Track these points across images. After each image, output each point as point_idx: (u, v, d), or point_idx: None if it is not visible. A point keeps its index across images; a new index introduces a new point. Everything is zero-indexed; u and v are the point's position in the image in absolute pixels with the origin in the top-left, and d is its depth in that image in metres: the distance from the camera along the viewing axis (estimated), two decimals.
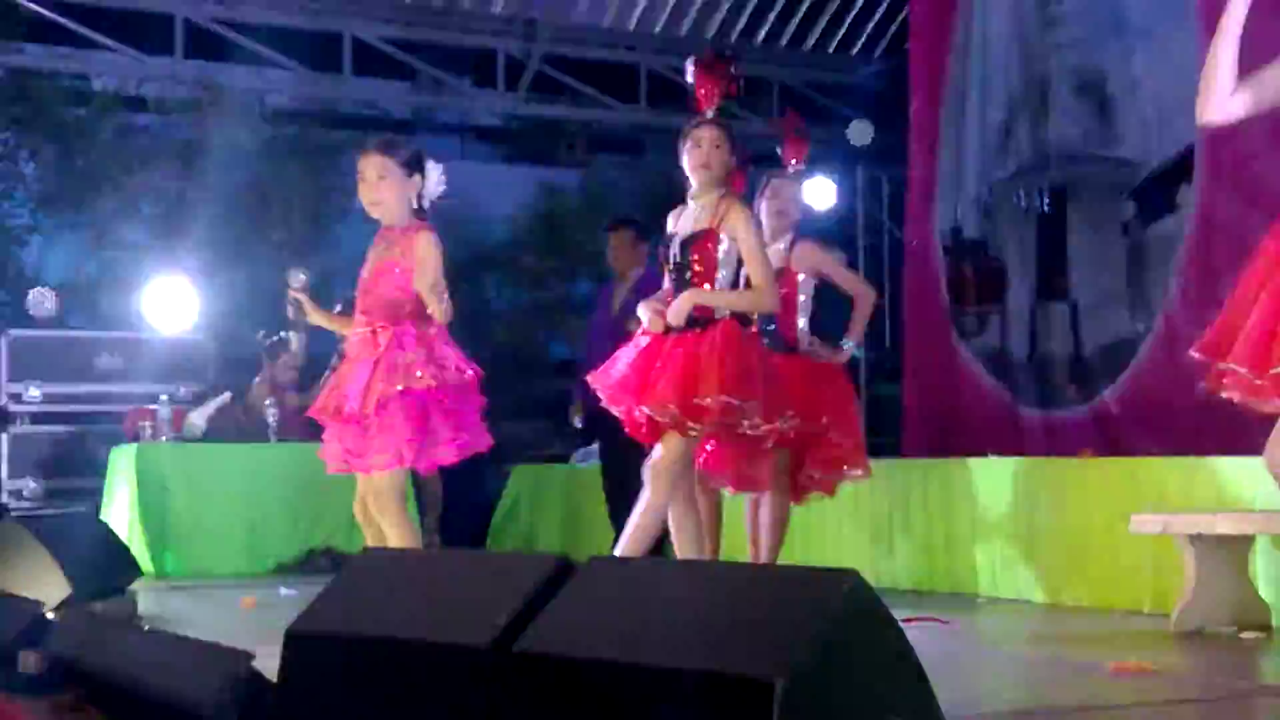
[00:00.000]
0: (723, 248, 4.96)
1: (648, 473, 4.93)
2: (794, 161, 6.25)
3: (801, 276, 6.14)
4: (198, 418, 8.42)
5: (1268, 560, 5.24)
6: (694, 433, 4.88)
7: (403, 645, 2.78)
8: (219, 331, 10.17)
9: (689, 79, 5.19)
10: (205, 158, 11.00)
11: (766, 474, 5.35)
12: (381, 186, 4.90)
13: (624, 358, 5.02)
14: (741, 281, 5.07)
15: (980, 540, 6.65)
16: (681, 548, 5.02)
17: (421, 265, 4.81)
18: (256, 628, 4.96)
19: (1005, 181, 9.14)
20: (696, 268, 4.98)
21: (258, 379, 9.11)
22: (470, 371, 4.87)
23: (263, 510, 8.21)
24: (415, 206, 4.96)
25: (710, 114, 5.10)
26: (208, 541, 8.06)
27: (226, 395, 8.79)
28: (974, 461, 6.82)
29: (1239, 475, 5.53)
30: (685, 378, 4.83)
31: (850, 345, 6.21)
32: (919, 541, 6.84)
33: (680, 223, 5.10)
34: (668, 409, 4.82)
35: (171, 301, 9.89)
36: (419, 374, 4.71)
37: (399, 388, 4.70)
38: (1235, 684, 4.16)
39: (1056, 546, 6.25)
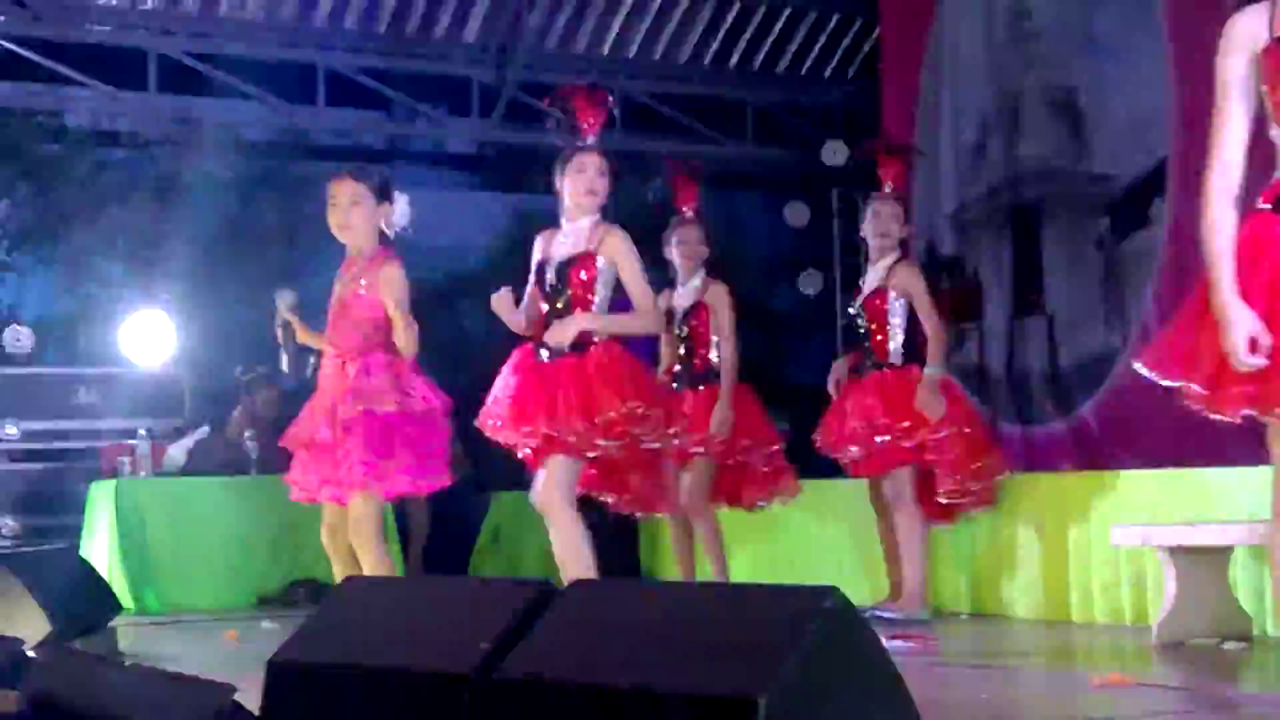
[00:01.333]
0: (601, 271, 5.00)
1: (539, 503, 4.93)
2: (890, 183, 6.54)
3: (892, 295, 6.34)
4: (176, 452, 8.38)
5: (1247, 571, 5.26)
6: (602, 450, 4.86)
7: (385, 674, 2.78)
8: (196, 365, 10.14)
9: (568, 106, 5.29)
10: (180, 191, 10.99)
11: (664, 492, 5.36)
12: (354, 212, 4.93)
13: (503, 387, 5.02)
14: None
15: (962, 556, 6.66)
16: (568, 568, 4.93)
17: (391, 298, 4.82)
18: (239, 660, 4.93)
19: (979, 199, 9.18)
20: (576, 291, 5.02)
21: (236, 412, 9.08)
22: (438, 402, 4.86)
23: (243, 543, 8.17)
24: (382, 234, 4.98)
25: (592, 140, 5.19)
26: (189, 576, 8.02)
27: (205, 429, 8.76)
28: None
29: (1217, 486, 5.55)
30: (585, 397, 4.84)
31: (933, 372, 6.29)
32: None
33: (553, 247, 5.13)
34: (574, 428, 4.81)
35: (148, 336, 9.86)
36: (383, 398, 4.73)
37: (360, 409, 4.71)
38: (1217, 694, 4.17)
39: (1038, 561, 6.27)
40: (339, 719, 2.81)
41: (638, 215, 6.88)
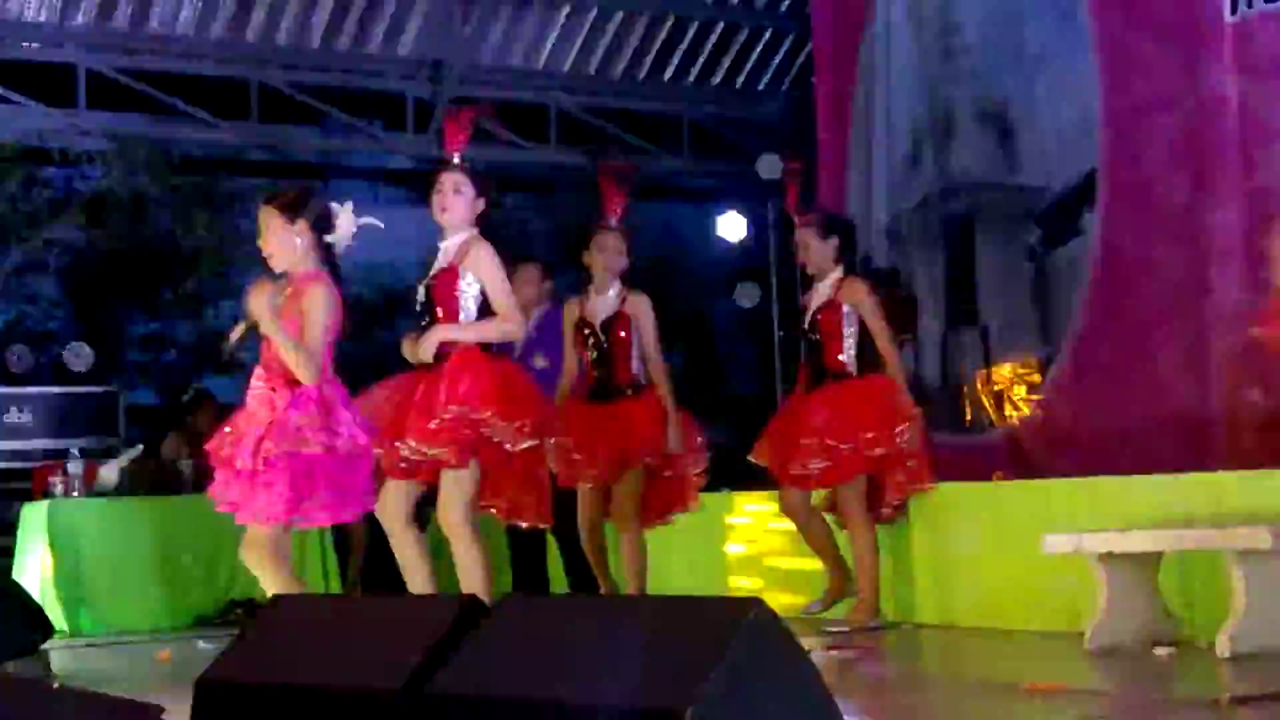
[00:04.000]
0: (465, 284, 5.11)
1: (441, 521, 5.05)
2: (794, 211, 6.67)
3: (846, 309, 6.41)
4: (110, 472, 8.29)
5: (1177, 576, 5.32)
6: (438, 456, 4.97)
7: (314, 692, 2.77)
8: (129, 383, 10.06)
9: (440, 127, 5.40)
10: (112, 209, 10.90)
11: (539, 503, 5.44)
12: (268, 239, 4.90)
13: (376, 398, 5.12)
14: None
15: (898, 567, 6.69)
16: (416, 582, 5.05)
17: (306, 318, 4.79)
18: (172, 682, 4.90)
19: (913, 211, 9.25)
20: (442, 306, 5.13)
21: (174, 432, 9.01)
22: (364, 439, 4.86)
23: (179, 563, 8.09)
24: (313, 253, 4.92)
25: (455, 158, 5.26)
26: (124, 597, 7.94)
27: (139, 448, 8.67)
28: None
29: (1147, 493, 5.62)
30: (425, 408, 4.97)
31: (899, 380, 6.43)
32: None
33: (432, 266, 5.28)
34: (408, 444, 4.95)
35: (80, 354, 9.78)
36: (309, 439, 4.70)
37: (285, 449, 4.68)
38: (1147, 699, 4.22)
39: (972, 570, 6.31)
40: None
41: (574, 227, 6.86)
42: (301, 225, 4.85)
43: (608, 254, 6.38)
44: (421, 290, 5.20)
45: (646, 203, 10.44)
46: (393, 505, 5.10)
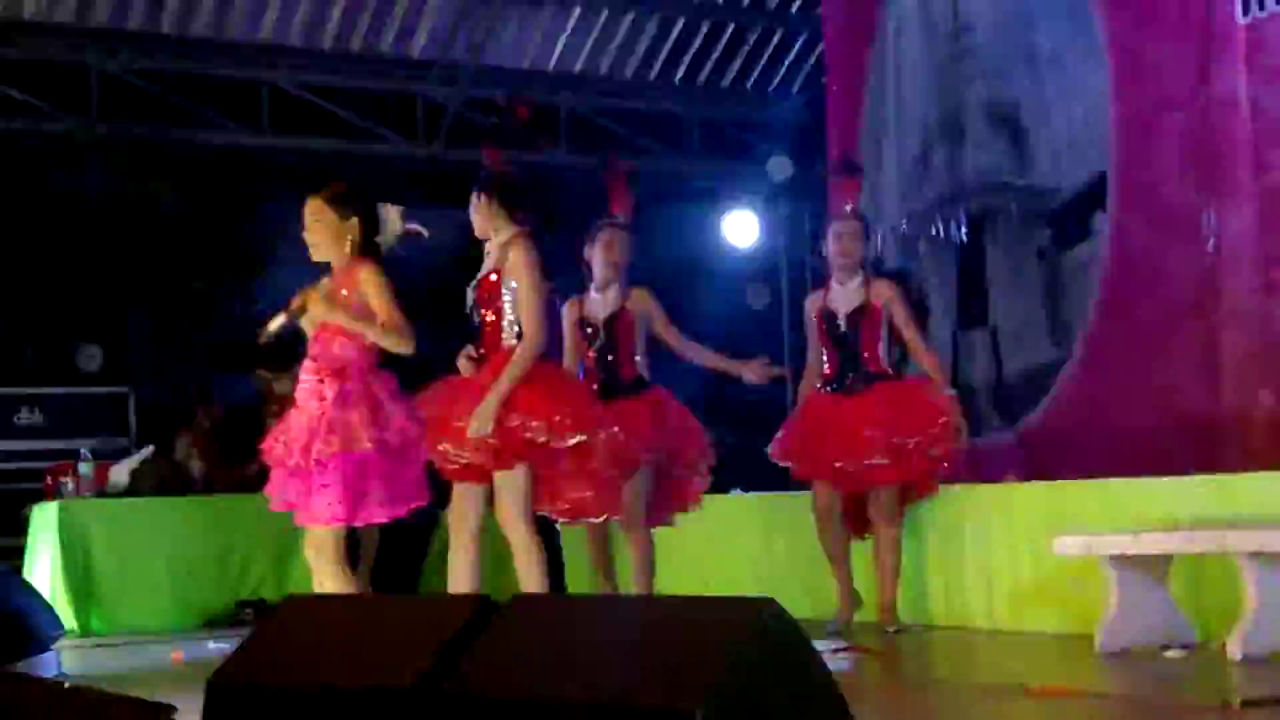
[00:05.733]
0: (507, 291, 5.18)
1: (500, 521, 5.08)
2: (849, 203, 6.59)
3: (883, 310, 6.39)
4: (120, 472, 8.31)
5: (1188, 579, 5.31)
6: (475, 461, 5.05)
7: (327, 692, 2.77)
8: (140, 384, 10.08)
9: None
10: (124, 211, 10.91)
11: (614, 500, 5.47)
12: (315, 229, 4.94)
13: (438, 397, 5.17)
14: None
15: (907, 568, 6.68)
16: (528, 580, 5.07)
17: (371, 298, 4.84)
18: (183, 682, 4.90)
19: (923, 212, 9.23)
20: (485, 308, 5.21)
21: (183, 432, 9.02)
22: (415, 431, 4.88)
23: (189, 564, 8.11)
24: (359, 246, 4.94)
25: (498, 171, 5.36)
26: (134, 597, 7.96)
27: (149, 448, 8.69)
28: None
29: (1158, 495, 5.61)
30: (467, 413, 5.01)
31: (950, 391, 6.44)
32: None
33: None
34: (446, 447, 5.01)
35: (93, 355, 9.80)
36: (360, 437, 4.72)
37: (336, 449, 4.71)
38: (1157, 701, 4.21)
39: (983, 571, 6.31)
40: None
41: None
42: (354, 223, 4.92)
43: (613, 251, 6.30)
44: (470, 292, 5.26)
45: (656, 204, 10.46)
46: (458, 511, 5.19)
